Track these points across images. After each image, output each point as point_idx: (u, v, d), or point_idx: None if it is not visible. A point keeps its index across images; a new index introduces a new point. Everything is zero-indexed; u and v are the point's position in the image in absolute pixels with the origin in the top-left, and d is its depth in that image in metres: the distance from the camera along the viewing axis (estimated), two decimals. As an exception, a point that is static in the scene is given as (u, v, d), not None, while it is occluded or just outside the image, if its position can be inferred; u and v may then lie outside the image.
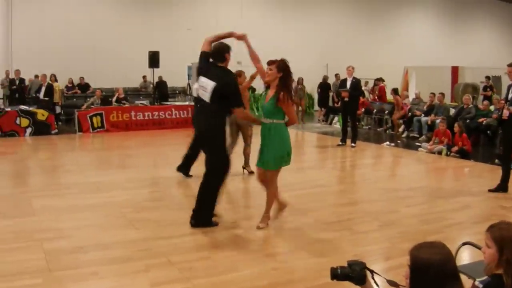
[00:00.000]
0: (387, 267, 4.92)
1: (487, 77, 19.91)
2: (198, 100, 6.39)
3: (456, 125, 12.37)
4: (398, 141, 14.78)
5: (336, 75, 21.88)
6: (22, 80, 18.14)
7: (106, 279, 4.66)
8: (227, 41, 6.30)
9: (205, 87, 5.98)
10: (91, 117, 15.93)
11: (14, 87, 17.72)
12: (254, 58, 6.21)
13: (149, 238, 5.71)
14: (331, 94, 21.18)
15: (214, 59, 6.15)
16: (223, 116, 6.10)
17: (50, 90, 16.70)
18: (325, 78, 21.51)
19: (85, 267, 4.85)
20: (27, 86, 18.88)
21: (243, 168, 9.43)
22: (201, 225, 6.10)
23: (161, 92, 20.30)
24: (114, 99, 17.75)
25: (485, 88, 19.65)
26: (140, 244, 5.50)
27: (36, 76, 18.87)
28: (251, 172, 9.15)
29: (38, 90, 16.78)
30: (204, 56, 6.22)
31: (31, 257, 5.05)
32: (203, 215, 6.14)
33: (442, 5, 29.92)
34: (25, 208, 6.97)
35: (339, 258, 4.81)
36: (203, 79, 6.05)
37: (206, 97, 5.96)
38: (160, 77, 20.14)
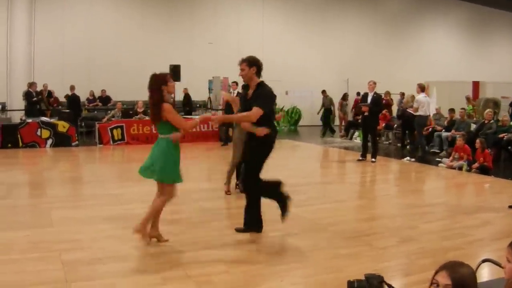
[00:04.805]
0: (405, 283, 4.87)
1: None
2: None
3: (478, 141, 12.18)
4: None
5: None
6: (38, 93, 18.07)
7: (123, 291, 4.67)
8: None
9: None
10: (111, 130, 16.09)
11: (34, 99, 17.72)
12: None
13: (166, 251, 5.70)
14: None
15: None
16: None
17: (74, 101, 16.78)
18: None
19: (102, 278, 4.85)
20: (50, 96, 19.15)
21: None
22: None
23: (186, 105, 20.40)
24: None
25: None
26: (158, 257, 5.50)
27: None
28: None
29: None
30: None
31: (49, 268, 5.07)
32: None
33: (463, 20, 29.78)
34: (44, 219, 7.02)
35: (357, 274, 4.74)
36: None
37: None
38: (185, 89, 20.25)
